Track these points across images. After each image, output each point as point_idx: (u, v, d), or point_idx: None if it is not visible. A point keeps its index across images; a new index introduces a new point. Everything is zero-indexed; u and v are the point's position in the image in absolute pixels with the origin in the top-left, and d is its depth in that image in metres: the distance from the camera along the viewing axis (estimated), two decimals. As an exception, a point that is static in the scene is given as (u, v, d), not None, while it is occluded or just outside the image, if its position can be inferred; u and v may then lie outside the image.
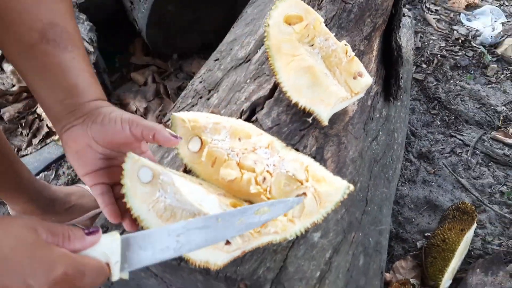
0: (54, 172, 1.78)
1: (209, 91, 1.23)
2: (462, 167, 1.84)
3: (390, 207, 1.20)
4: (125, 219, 0.77)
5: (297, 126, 1.00)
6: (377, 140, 1.19)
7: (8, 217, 0.58)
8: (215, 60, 1.39)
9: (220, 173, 0.82)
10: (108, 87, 1.98)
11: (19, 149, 1.85)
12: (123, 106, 1.96)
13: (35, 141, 1.87)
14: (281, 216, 0.75)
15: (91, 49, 1.80)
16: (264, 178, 0.80)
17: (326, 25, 1.13)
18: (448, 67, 2.24)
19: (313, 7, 1.17)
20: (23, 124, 1.91)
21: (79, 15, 1.84)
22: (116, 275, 0.61)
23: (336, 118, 1.04)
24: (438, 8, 2.57)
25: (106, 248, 0.62)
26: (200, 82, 1.31)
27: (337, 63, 1.00)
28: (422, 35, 2.41)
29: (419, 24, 2.49)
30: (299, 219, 0.76)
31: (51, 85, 0.76)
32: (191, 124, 0.86)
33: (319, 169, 0.81)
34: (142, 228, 0.75)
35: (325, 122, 0.96)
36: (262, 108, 1.04)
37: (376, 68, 1.18)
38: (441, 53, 2.31)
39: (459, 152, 1.90)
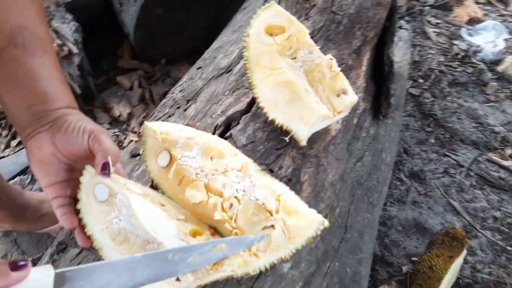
0: (30, 176, 1.71)
1: (188, 101, 1.17)
2: (455, 189, 1.77)
3: (373, 233, 1.12)
4: (80, 233, 0.72)
5: (274, 145, 0.93)
6: (362, 161, 1.12)
7: None
8: (198, 68, 1.33)
9: (186, 194, 0.76)
10: (92, 90, 1.91)
11: (-4, 151, 1.78)
12: (107, 110, 1.89)
13: (13, 143, 1.81)
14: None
15: (75, 50, 1.74)
16: (231, 205, 0.72)
17: (313, 37, 1.07)
18: (445, 83, 2.17)
19: (300, 17, 1.10)
20: (2, 125, 1.85)
21: (65, 14, 1.77)
22: None
23: (316, 137, 0.97)
24: (438, 21, 2.51)
25: (37, 284, 0.54)
26: (180, 91, 1.24)
27: (320, 78, 0.93)
28: (420, 49, 2.35)
29: (418, 37, 2.42)
30: (265, 253, 0.69)
31: (18, 92, 0.73)
32: (162, 137, 0.80)
33: (293, 199, 0.73)
34: (94, 248, 0.70)
35: (303, 142, 0.89)
36: (237, 124, 0.97)
37: (365, 84, 1.11)
38: (439, 68, 2.24)
39: (453, 173, 1.82)
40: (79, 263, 0.86)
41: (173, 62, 2.12)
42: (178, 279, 0.64)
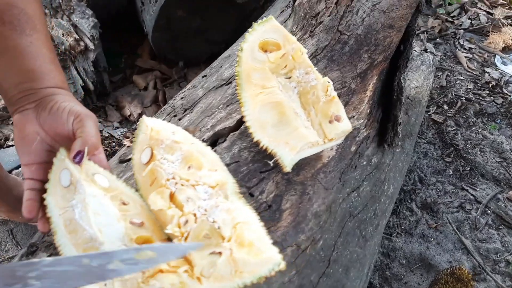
0: (35, 167, 1.72)
1: (185, 110, 1.13)
2: (469, 226, 1.66)
3: (362, 269, 1.05)
4: (41, 217, 0.73)
5: (258, 167, 0.88)
6: (358, 191, 1.05)
7: None
8: (203, 76, 1.29)
9: (149, 198, 0.73)
10: (106, 87, 1.91)
11: (7, 139, 1.81)
12: (119, 108, 1.89)
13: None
14: (183, 269, 0.63)
15: (92, 46, 1.74)
16: (187, 221, 0.68)
17: (316, 56, 1.01)
18: (471, 112, 2.06)
19: (304, 33, 1.05)
20: (15, 114, 1.87)
21: (85, 10, 1.78)
22: None
23: (305, 163, 0.91)
24: (472, 46, 2.38)
25: None
26: (182, 98, 1.21)
27: (314, 101, 0.87)
28: (449, 74, 2.23)
29: (448, 61, 2.31)
30: (208, 280, 0.63)
31: (7, 68, 0.74)
32: (151, 134, 0.79)
33: (255, 231, 0.68)
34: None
35: (288, 168, 0.83)
36: (224, 141, 0.92)
37: (368, 110, 1.05)
38: (467, 96, 2.12)
39: (468, 209, 1.72)
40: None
41: (191, 65, 2.10)
42: (104, 285, 0.61)
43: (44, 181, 0.72)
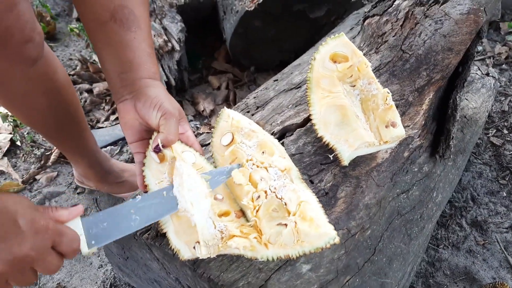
0: (119, 148, 1.97)
1: (257, 107, 1.30)
2: (516, 247, 1.69)
3: (404, 264, 1.16)
4: (141, 182, 0.89)
5: (319, 160, 1.03)
6: (407, 193, 1.16)
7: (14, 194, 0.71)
8: (274, 80, 1.45)
9: (234, 174, 0.88)
10: (185, 84, 2.13)
11: (98, 121, 2.07)
12: (194, 104, 2.10)
13: (112, 117, 2.08)
14: (253, 235, 0.79)
15: (177, 47, 1.97)
16: (259, 196, 0.84)
17: (379, 69, 1.15)
18: (533, 139, 2.07)
19: (371, 50, 1.18)
20: (107, 100, 2.14)
21: (175, 15, 2.01)
22: (83, 248, 0.71)
23: (361, 161, 1.04)
24: (542, 74, 2.37)
25: (72, 226, 0.72)
26: (254, 97, 1.38)
27: (373, 108, 1.01)
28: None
29: (513, 87, 2.32)
30: (273, 246, 0.79)
31: (112, 59, 0.90)
32: (232, 122, 0.95)
33: (315, 209, 0.82)
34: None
35: (345, 162, 0.97)
36: (291, 134, 1.08)
37: (423, 122, 1.16)
38: (530, 122, 2.13)
39: (518, 231, 1.75)
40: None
41: (261, 70, 2.28)
42: (193, 248, 0.77)
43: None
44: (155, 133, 0.86)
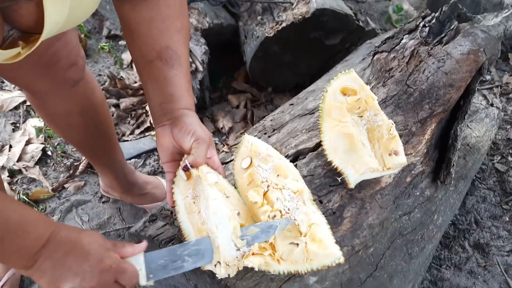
0: (143, 161, 2.11)
1: (274, 130, 1.42)
2: (516, 271, 1.77)
3: (404, 281, 1.26)
4: (170, 197, 1.01)
5: (328, 182, 1.14)
6: (409, 215, 1.26)
7: (90, 230, 0.87)
8: (290, 105, 1.58)
9: (249, 193, 1.00)
10: (206, 102, 2.27)
11: (123, 135, 2.21)
12: (214, 121, 2.24)
13: (137, 131, 2.22)
14: (267, 252, 0.91)
15: (201, 68, 2.11)
16: (275, 215, 0.95)
17: (385, 101, 1.26)
18: (537, 166, 2.15)
19: (378, 83, 1.30)
20: (132, 115, 2.28)
21: (199, 38, 2.16)
22: (142, 280, 0.85)
23: (366, 184, 1.15)
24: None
25: (135, 260, 0.86)
26: (271, 120, 1.50)
27: (378, 137, 1.12)
28: (519, 128, 2.33)
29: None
30: (285, 262, 0.90)
31: (156, 91, 1.03)
32: (251, 147, 1.07)
33: (323, 231, 0.93)
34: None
35: (351, 185, 1.09)
36: (304, 158, 1.19)
37: (425, 150, 1.26)
38: (535, 151, 2.21)
39: (519, 255, 1.82)
40: (161, 233, 1.15)
41: (278, 91, 2.41)
42: (215, 265, 0.89)
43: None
44: (185, 156, 0.99)
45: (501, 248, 1.86)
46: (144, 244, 0.88)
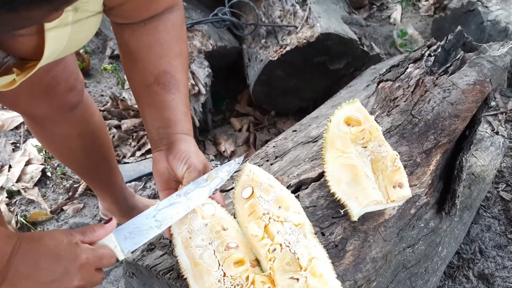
0: (143, 183, 2.08)
1: (276, 157, 1.40)
2: (523, 304, 1.72)
3: (408, 315, 1.22)
4: (168, 230, 0.98)
5: (331, 213, 1.11)
6: (413, 247, 1.23)
7: (52, 230, 0.84)
8: (293, 131, 1.56)
9: (249, 225, 0.98)
10: (209, 125, 2.26)
11: (124, 156, 2.20)
12: (216, 144, 2.22)
13: (138, 153, 2.21)
14: (267, 286, 0.88)
15: (204, 91, 2.10)
16: (275, 249, 0.93)
17: (390, 131, 1.24)
18: (543, 195, 2.11)
19: (383, 112, 1.28)
20: (134, 137, 2.27)
21: (203, 61, 2.16)
22: (120, 256, 0.86)
23: (370, 216, 1.13)
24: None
25: (107, 240, 0.85)
26: (274, 146, 1.48)
27: (383, 169, 1.10)
28: (525, 155, 2.31)
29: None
30: None
31: (153, 115, 1.02)
32: (253, 176, 1.04)
33: (324, 266, 0.91)
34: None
35: (354, 218, 1.06)
36: (306, 188, 1.17)
37: (430, 181, 1.24)
38: (541, 179, 2.18)
39: (525, 287, 1.78)
40: (159, 263, 1.12)
41: (281, 115, 2.39)
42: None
43: None
44: (180, 186, 0.97)
45: (506, 279, 1.81)
46: (114, 222, 0.87)
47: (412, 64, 1.30)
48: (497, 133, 1.73)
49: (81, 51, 2.66)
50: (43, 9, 0.47)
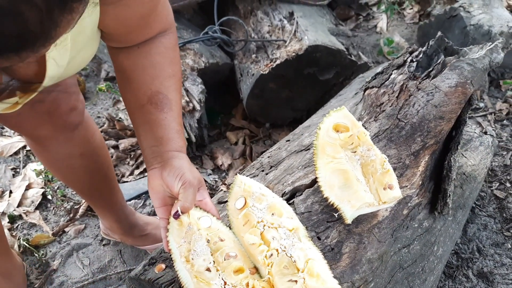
0: (143, 201, 2.11)
1: (271, 167, 1.44)
2: (522, 299, 1.75)
3: (407, 314, 1.24)
4: (166, 244, 1.01)
5: (326, 218, 1.15)
6: (408, 248, 1.26)
7: None
8: (287, 141, 1.60)
9: (245, 235, 1.01)
10: (205, 140, 2.30)
11: (123, 176, 2.23)
12: (213, 158, 2.26)
13: (136, 172, 2.24)
14: None
15: (198, 107, 2.15)
16: (272, 254, 0.96)
17: (378, 136, 1.29)
18: (536, 192, 2.15)
19: (370, 118, 1.33)
20: (131, 156, 2.31)
21: (196, 78, 2.21)
22: None
23: (363, 218, 1.16)
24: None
25: None
26: (268, 157, 1.52)
27: (372, 172, 1.14)
28: (516, 154, 2.35)
29: (516, 141, 2.42)
30: None
31: (147, 134, 1.06)
32: (244, 187, 1.08)
33: (320, 266, 0.94)
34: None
35: (348, 221, 1.10)
36: (301, 194, 1.21)
37: (420, 182, 1.28)
38: (533, 176, 2.22)
39: (524, 283, 1.81)
40: (161, 276, 1.15)
41: (276, 126, 2.44)
42: None
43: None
44: (176, 201, 1.00)
45: (505, 276, 1.84)
46: None
47: (395, 71, 1.35)
48: (485, 132, 1.77)
49: (76, 74, 2.71)
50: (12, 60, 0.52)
